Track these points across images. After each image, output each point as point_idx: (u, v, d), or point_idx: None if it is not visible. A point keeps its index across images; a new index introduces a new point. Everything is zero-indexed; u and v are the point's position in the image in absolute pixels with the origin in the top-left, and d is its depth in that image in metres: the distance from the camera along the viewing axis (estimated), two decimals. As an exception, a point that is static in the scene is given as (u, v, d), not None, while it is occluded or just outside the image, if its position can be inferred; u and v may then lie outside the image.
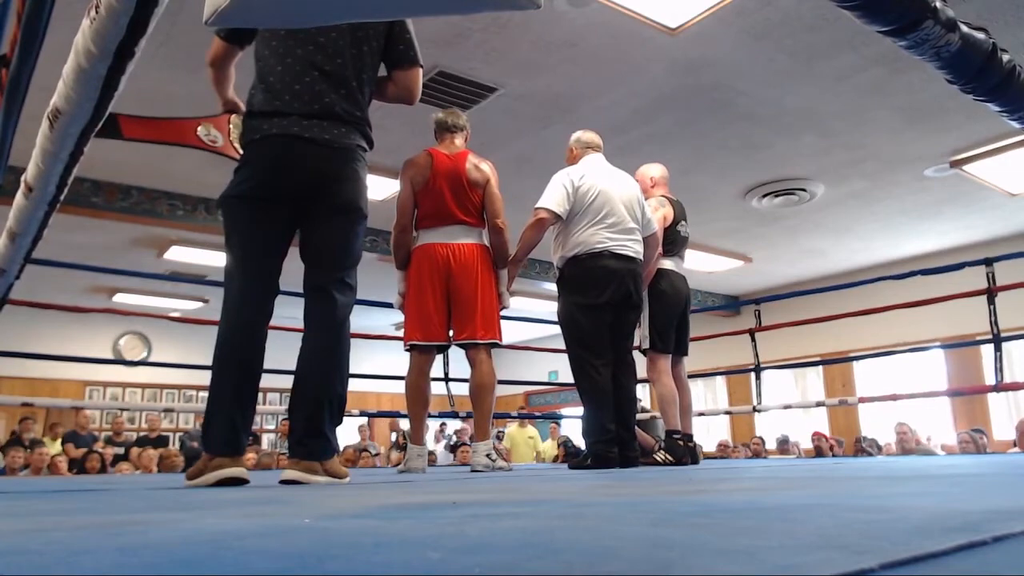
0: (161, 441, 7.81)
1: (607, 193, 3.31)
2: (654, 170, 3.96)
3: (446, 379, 4.57)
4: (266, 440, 10.56)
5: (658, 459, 3.61)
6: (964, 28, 1.10)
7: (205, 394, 2.03)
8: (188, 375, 8.86)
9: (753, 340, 5.16)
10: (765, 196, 6.36)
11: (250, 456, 7.06)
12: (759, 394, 5.19)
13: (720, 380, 9.73)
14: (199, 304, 9.58)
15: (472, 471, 3.11)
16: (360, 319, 9.10)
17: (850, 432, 8.43)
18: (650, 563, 0.46)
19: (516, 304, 10.02)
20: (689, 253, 4.08)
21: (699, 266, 8.24)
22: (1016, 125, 1.35)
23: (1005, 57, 1.18)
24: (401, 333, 3.29)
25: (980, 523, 0.62)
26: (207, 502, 1.24)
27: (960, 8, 3.11)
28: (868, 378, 8.57)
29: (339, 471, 2.05)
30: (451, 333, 3.24)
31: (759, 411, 5.39)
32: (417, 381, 3.19)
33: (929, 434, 7.45)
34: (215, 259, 7.42)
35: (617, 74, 4.39)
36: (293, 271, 2.18)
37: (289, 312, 2.66)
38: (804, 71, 4.35)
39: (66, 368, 8.79)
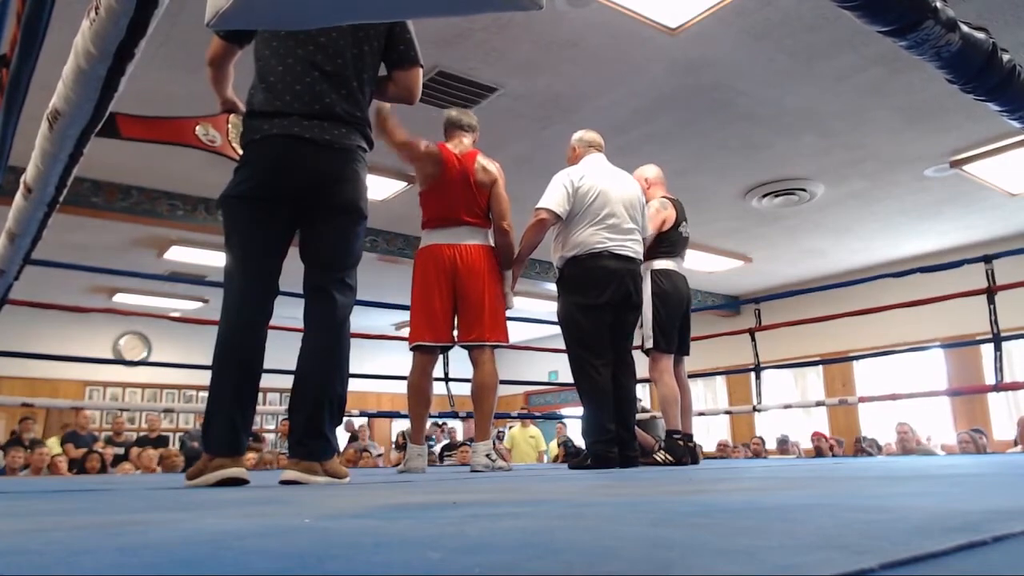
0: (161, 441, 7.81)
1: (607, 193, 3.32)
2: (649, 171, 3.96)
3: (446, 379, 4.57)
4: (267, 440, 10.56)
5: (658, 459, 3.61)
6: (964, 28, 1.10)
7: (205, 394, 2.03)
8: (188, 375, 8.86)
9: (753, 340, 5.16)
10: (765, 196, 6.36)
11: (250, 456, 7.07)
12: (759, 394, 5.19)
13: (720, 380, 9.73)
14: (199, 304, 9.58)
15: (472, 471, 3.12)
16: (360, 319, 9.10)
17: (850, 432, 8.43)
18: (650, 563, 0.46)
19: (516, 304, 10.02)
20: (689, 253, 4.09)
21: (699, 266, 8.24)
22: (1016, 125, 1.35)
23: (1005, 57, 1.18)
24: (401, 333, 3.29)
25: (980, 523, 0.62)
26: (207, 502, 1.24)
27: (960, 8, 3.11)
28: (868, 378, 8.57)
29: (339, 471, 2.05)
30: (455, 334, 3.24)
31: (759, 411, 5.39)
32: (419, 381, 3.19)
33: (929, 434, 7.45)
34: (215, 259, 7.42)
35: (617, 74, 4.39)
36: (293, 271, 2.18)
37: (289, 312, 2.66)
38: (804, 71, 4.35)
39: (66, 368, 8.79)
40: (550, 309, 8.37)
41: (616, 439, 3.18)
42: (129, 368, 10.01)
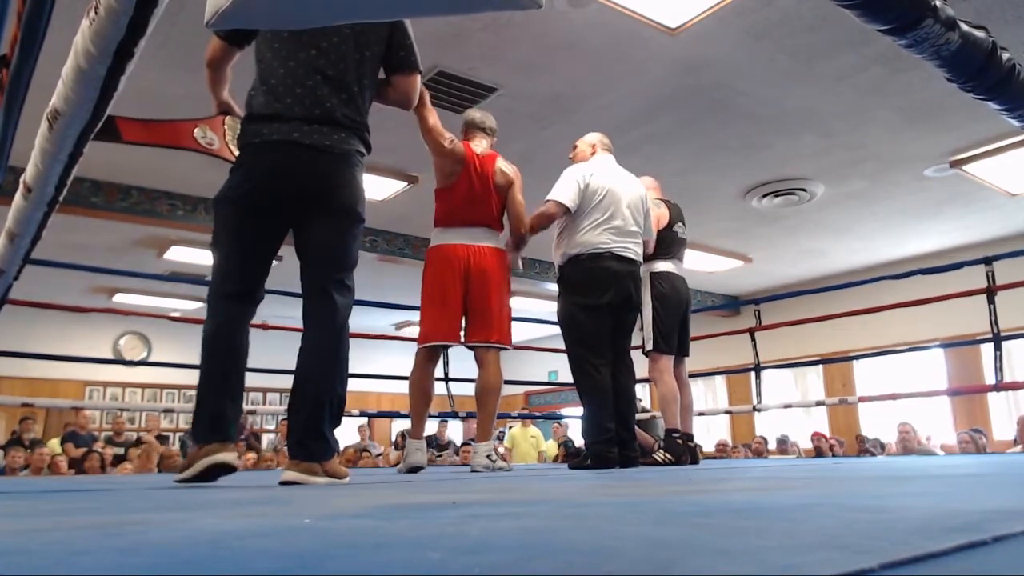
0: (161, 441, 7.81)
1: (615, 194, 3.33)
2: (644, 179, 3.99)
3: (446, 379, 4.58)
4: (266, 440, 10.55)
5: (658, 459, 3.62)
6: (964, 27, 1.10)
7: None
8: (188, 375, 8.75)
9: (753, 340, 5.16)
10: (765, 196, 6.36)
11: (250, 456, 7.07)
12: (759, 394, 5.19)
13: (720, 380, 9.73)
14: (199, 304, 9.57)
15: (472, 471, 3.12)
16: (360, 319, 9.09)
17: (850, 432, 8.43)
18: (650, 563, 0.46)
19: (516, 304, 10.03)
20: (689, 253, 4.09)
21: (699, 266, 8.24)
22: (1016, 124, 1.35)
23: (1005, 55, 1.18)
24: (401, 333, 3.31)
25: (980, 523, 0.62)
26: (207, 502, 1.24)
27: (960, 7, 3.10)
28: (868, 378, 8.57)
29: (339, 471, 2.05)
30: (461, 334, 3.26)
31: (759, 411, 5.39)
32: (421, 378, 3.19)
33: (929, 434, 7.45)
34: (215, 259, 7.40)
35: (617, 74, 4.39)
36: (293, 271, 2.18)
37: (289, 312, 2.66)
38: (804, 71, 4.35)
39: (66, 368, 8.79)
40: (550, 309, 8.36)
41: (616, 439, 3.19)
42: (129, 368, 10.01)
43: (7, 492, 2.02)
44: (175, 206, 6.14)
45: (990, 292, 4.05)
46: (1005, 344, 4.00)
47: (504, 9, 0.89)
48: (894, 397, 5.00)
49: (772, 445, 8.22)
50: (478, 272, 3.12)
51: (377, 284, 7.55)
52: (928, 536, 0.56)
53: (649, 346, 3.69)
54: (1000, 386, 4.03)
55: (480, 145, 3.26)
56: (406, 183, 5.87)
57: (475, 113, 3.38)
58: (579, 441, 6.53)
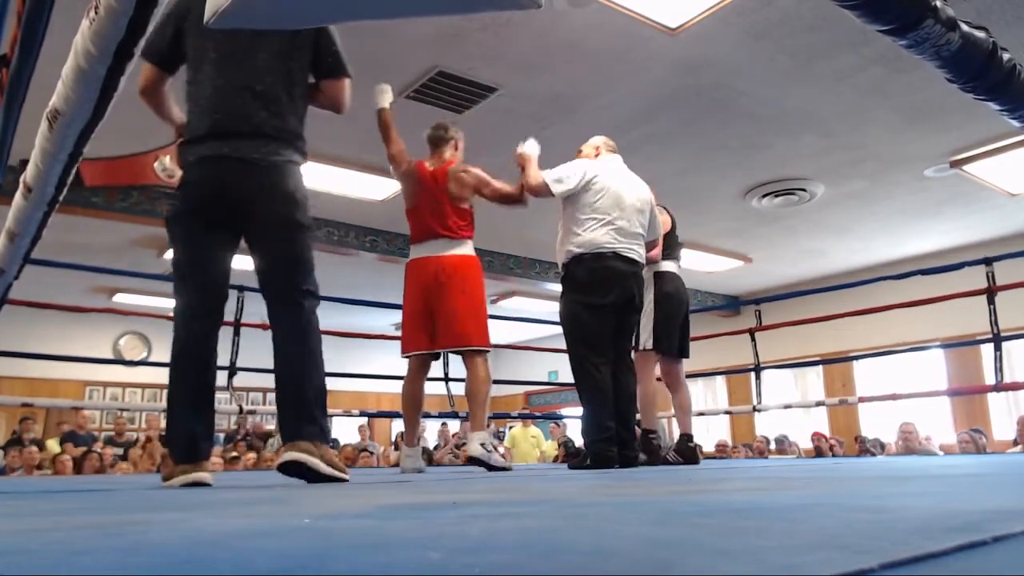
0: (162, 440, 7.81)
1: (618, 195, 3.32)
2: None
3: (446, 379, 4.58)
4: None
5: (668, 459, 3.65)
6: (964, 27, 1.10)
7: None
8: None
9: (753, 340, 5.16)
10: (765, 196, 6.36)
11: (250, 456, 7.07)
12: (759, 394, 5.19)
13: (720, 380, 9.72)
14: (199, 304, 9.57)
15: (469, 457, 3.18)
16: (360, 319, 9.12)
17: (850, 432, 8.43)
18: (650, 563, 0.46)
19: (516, 304, 10.05)
20: (689, 253, 4.11)
21: (699, 266, 8.24)
22: (1016, 124, 1.35)
23: (1005, 56, 1.18)
24: (400, 333, 3.39)
25: (980, 523, 0.62)
26: (207, 502, 1.24)
27: (960, 7, 3.10)
28: (868, 378, 8.56)
29: (338, 464, 2.07)
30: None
31: (759, 411, 5.39)
32: (407, 385, 3.37)
33: (929, 434, 7.45)
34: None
35: (617, 74, 4.39)
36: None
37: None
38: (804, 71, 4.35)
39: (66, 368, 8.78)
40: (550, 309, 8.37)
41: (616, 438, 3.19)
42: (129, 368, 10.00)
43: (7, 492, 2.02)
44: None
45: (990, 292, 4.05)
46: (1005, 344, 4.00)
47: (504, 9, 0.89)
48: (894, 397, 5.00)
49: (772, 445, 8.23)
50: (438, 283, 3.26)
51: (377, 284, 7.54)
52: (928, 536, 0.56)
53: (649, 345, 3.70)
54: (1000, 386, 4.03)
55: (439, 159, 3.40)
56: (406, 183, 5.87)
57: (428, 130, 3.51)
58: (579, 441, 6.53)
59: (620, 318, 3.30)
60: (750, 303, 5.80)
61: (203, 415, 2.07)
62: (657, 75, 4.40)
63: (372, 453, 7.95)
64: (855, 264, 8.49)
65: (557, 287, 3.53)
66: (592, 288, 3.25)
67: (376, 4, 0.95)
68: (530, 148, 3.42)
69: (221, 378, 3.62)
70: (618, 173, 3.43)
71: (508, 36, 3.97)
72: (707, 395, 10.13)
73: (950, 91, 1.28)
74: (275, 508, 1.06)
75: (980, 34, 1.13)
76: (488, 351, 3.31)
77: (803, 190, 6.23)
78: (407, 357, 3.36)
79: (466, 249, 3.36)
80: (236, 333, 4.13)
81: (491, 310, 3.56)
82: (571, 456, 4.66)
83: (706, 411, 6.69)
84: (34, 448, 6.39)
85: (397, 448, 7.65)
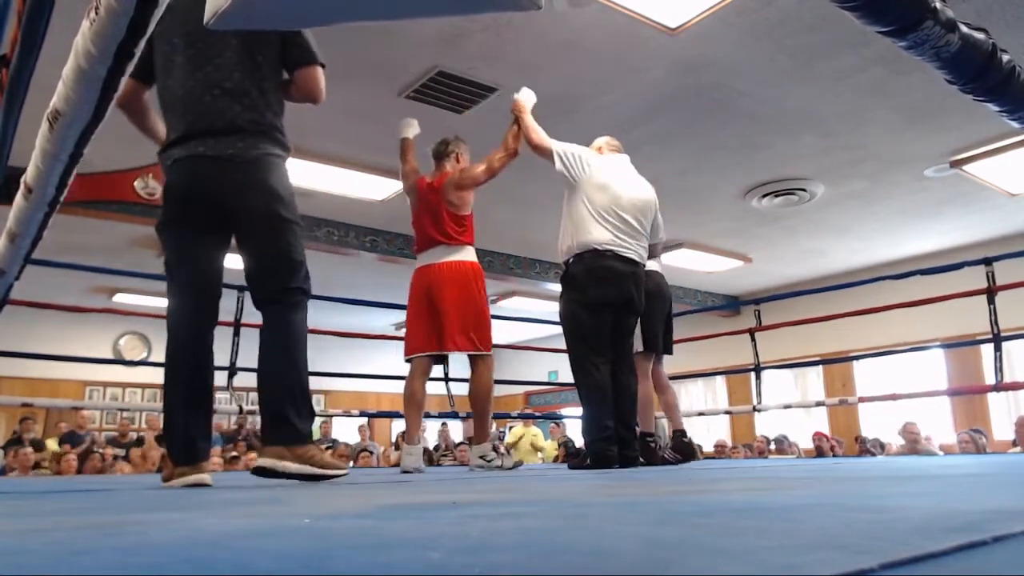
0: (159, 442, 7.81)
1: (617, 193, 3.31)
2: None
3: (446, 379, 4.59)
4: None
5: (666, 457, 3.65)
6: (964, 28, 1.10)
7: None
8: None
9: (753, 340, 5.16)
10: (765, 196, 6.36)
11: (251, 455, 7.07)
12: (759, 394, 5.19)
13: (720, 380, 9.72)
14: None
15: (470, 470, 3.27)
16: (360, 319, 9.13)
17: (850, 432, 8.43)
18: (650, 563, 0.46)
19: (516, 304, 10.04)
20: (689, 253, 4.11)
21: (699, 266, 8.23)
22: (1016, 125, 1.35)
23: (1005, 57, 1.18)
24: (401, 333, 3.49)
25: (980, 523, 0.62)
26: (207, 502, 1.24)
27: (960, 8, 3.11)
28: (868, 378, 8.56)
29: (322, 461, 2.05)
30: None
31: (759, 411, 5.39)
32: (411, 385, 3.43)
33: (929, 434, 7.45)
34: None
35: (617, 74, 4.39)
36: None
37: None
38: (804, 71, 4.35)
39: (66, 368, 8.78)
40: (550, 309, 8.37)
41: (616, 437, 3.18)
42: (129, 368, 10.00)
43: (7, 492, 2.02)
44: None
45: (990, 292, 4.05)
46: (1005, 344, 4.00)
47: (504, 10, 0.89)
48: (894, 397, 5.00)
49: (771, 445, 8.23)
50: (436, 289, 3.37)
51: (377, 284, 7.55)
52: (928, 536, 0.56)
53: (640, 347, 3.70)
54: (1000, 386, 4.03)
55: (440, 172, 3.55)
56: (406, 183, 5.87)
57: (431, 147, 3.67)
58: (579, 441, 6.53)
59: (619, 318, 3.30)
60: (750, 303, 5.79)
61: (201, 415, 2.07)
62: (657, 75, 4.40)
63: (372, 453, 7.95)
64: (855, 264, 8.49)
65: (557, 287, 3.53)
66: (592, 287, 3.25)
67: (377, 5, 0.95)
68: (525, 96, 3.47)
69: (221, 378, 3.64)
70: (621, 172, 3.42)
71: (508, 36, 3.97)
72: (707, 395, 10.12)
73: (950, 91, 1.28)
74: (275, 508, 1.06)
75: (980, 35, 1.13)
76: (490, 355, 3.39)
77: (803, 190, 6.23)
78: (409, 360, 3.44)
79: (465, 254, 3.45)
80: (236, 333, 4.12)
81: (491, 310, 3.58)
82: (571, 456, 4.66)
83: (706, 411, 6.69)
84: (29, 449, 6.38)
85: (397, 448, 7.65)
